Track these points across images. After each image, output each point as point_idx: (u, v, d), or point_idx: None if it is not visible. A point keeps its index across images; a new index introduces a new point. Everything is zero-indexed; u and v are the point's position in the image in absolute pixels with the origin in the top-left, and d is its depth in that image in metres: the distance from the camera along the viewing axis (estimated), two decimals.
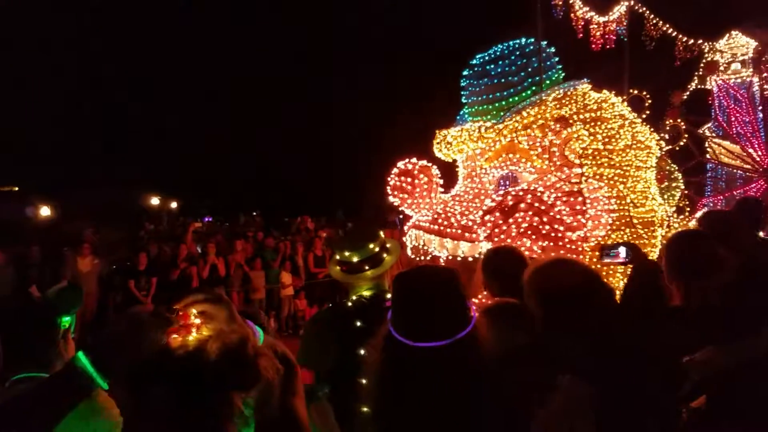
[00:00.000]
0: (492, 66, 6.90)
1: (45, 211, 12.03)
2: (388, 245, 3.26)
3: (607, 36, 8.86)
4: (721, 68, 12.10)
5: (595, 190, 5.84)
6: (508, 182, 6.66)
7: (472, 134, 6.71)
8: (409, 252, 7.10)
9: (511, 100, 6.81)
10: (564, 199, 5.86)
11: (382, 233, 3.31)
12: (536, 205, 5.70)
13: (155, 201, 32.90)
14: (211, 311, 1.63)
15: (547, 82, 6.86)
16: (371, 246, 3.14)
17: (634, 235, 5.95)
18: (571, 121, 6.06)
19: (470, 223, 6.22)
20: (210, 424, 1.48)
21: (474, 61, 7.20)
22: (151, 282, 10.98)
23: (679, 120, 7.67)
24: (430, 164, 6.84)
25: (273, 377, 1.60)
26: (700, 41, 10.25)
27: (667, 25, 9.97)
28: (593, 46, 8.76)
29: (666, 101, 9.18)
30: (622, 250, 3.40)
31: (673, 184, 9.08)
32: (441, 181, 6.94)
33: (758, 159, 9.56)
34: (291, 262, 12.48)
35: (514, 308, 2.37)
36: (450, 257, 6.71)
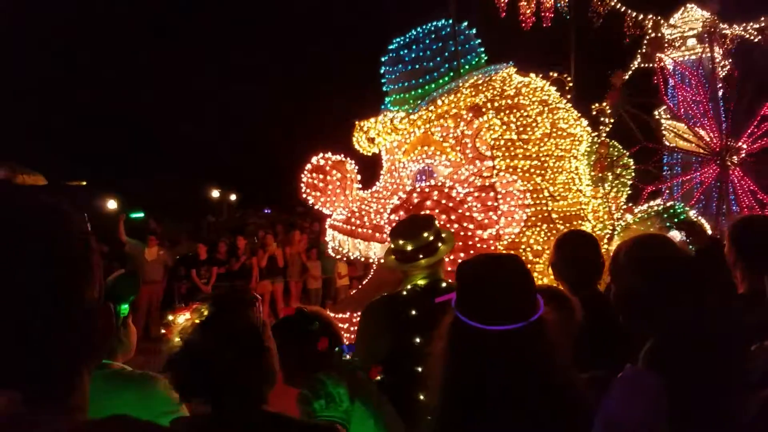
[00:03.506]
0: (406, 51, 6.82)
1: (112, 204, 12.88)
2: (443, 235, 3.39)
3: (544, 13, 8.78)
4: (676, 44, 12.12)
5: (508, 184, 5.81)
6: (424, 177, 6.60)
7: (385, 125, 6.62)
8: (330, 252, 7.07)
9: (427, 87, 6.72)
10: (476, 194, 5.82)
11: (436, 222, 3.46)
12: (443, 202, 5.66)
13: (216, 194, 35.29)
14: None
15: (467, 67, 6.78)
16: (425, 235, 3.28)
17: (553, 231, 5.92)
18: (484, 110, 5.99)
19: (383, 222, 6.17)
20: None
21: (391, 46, 7.10)
22: (211, 271, 12.16)
23: (604, 104, 7.61)
24: (344, 159, 6.77)
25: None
26: (651, 16, 10.22)
27: (615, 0, 9.94)
28: (523, 25, 8.66)
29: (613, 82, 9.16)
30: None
31: (623, 172, 9.05)
32: (358, 177, 6.88)
33: (709, 141, 9.57)
34: None
35: (561, 295, 2.47)
36: (362, 259, 6.67)
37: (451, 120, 6.19)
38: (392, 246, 3.37)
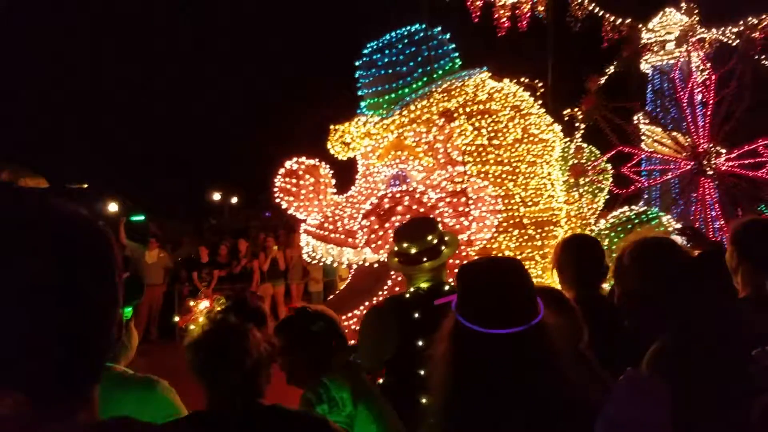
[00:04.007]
0: (379, 56, 6.87)
1: (113, 206, 13.08)
2: (446, 238, 3.45)
3: (520, 19, 8.85)
4: (655, 49, 12.24)
5: (480, 189, 5.88)
6: (398, 181, 6.65)
7: (358, 130, 6.67)
8: (305, 257, 7.11)
9: (400, 92, 6.78)
10: (447, 200, 5.88)
11: (440, 225, 3.54)
12: (414, 207, 5.71)
13: (217, 196, 36.17)
14: None
15: (440, 71, 6.84)
16: (430, 238, 3.34)
17: (524, 237, 5.99)
18: (456, 115, 6.05)
19: (356, 228, 6.20)
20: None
21: (365, 51, 7.14)
22: (212, 274, 12.33)
23: (576, 109, 7.69)
24: (319, 163, 6.78)
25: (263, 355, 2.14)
26: (629, 20, 10.31)
27: (594, 4, 10.01)
28: (498, 30, 8.73)
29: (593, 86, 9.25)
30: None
31: (600, 177, 9.11)
32: (333, 181, 6.90)
33: (687, 145, 9.65)
34: None
35: (561, 296, 2.51)
36: (335, 264, 6.71)
37: (424, 125, 6.25)
38: (396, 248, 3.41)
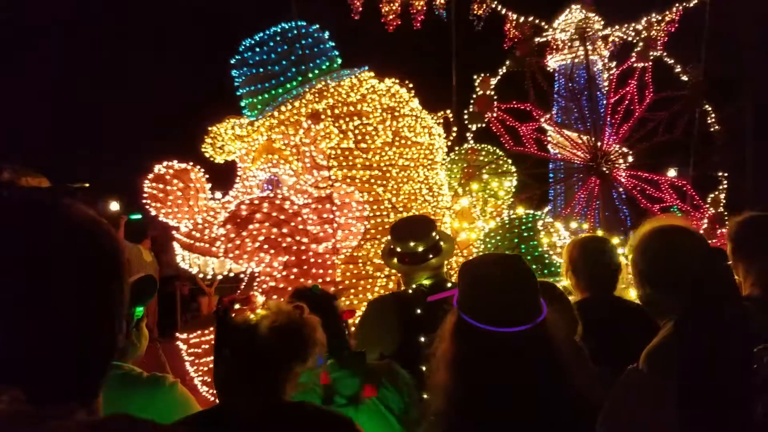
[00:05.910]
0: (250, 54, 6.66)
1: (114, 206, 12.97)
2: (439, 233, 3.49)
3: (414, 16, 8.72)
4: (559, 47, 12.37)
5: (346, 195, 5.72)
6: (271, 186, 6.45)
7: (226, 132, 6.45)
8: (182, 265, 6.84)
9: (274, 92, 6.59)
10: (312, 206, 5.71)
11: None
12: (274, 214, 5.52)
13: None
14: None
15: (316, 71, 6.66)
16: (433, 234, 3.36)
17: None
18: (323, 117, 5.87)
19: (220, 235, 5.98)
20: (272, 386, 1.92)
21: (240, 48, 6.92)
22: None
23: (448, 112, 7.58)
24: (190, 167, 6.53)
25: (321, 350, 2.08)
26: (531, 18, 10.29)
27: (496, 2, 9.95)
28: (387, 27, 8.57)
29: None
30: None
31: (501, 180, 9.01)
32: (207, 186, 6.65)
33: (583, 144, 9.69)
34: None
35: (554, 289, 2.53)
36: (201, 275, 6.48)
37: (292, 127, 6.06)
38: (398, 249, 3.40)
